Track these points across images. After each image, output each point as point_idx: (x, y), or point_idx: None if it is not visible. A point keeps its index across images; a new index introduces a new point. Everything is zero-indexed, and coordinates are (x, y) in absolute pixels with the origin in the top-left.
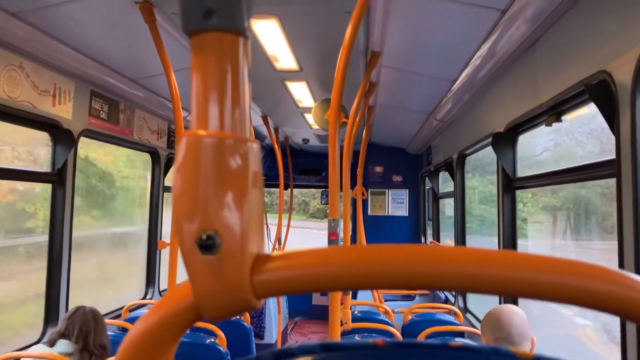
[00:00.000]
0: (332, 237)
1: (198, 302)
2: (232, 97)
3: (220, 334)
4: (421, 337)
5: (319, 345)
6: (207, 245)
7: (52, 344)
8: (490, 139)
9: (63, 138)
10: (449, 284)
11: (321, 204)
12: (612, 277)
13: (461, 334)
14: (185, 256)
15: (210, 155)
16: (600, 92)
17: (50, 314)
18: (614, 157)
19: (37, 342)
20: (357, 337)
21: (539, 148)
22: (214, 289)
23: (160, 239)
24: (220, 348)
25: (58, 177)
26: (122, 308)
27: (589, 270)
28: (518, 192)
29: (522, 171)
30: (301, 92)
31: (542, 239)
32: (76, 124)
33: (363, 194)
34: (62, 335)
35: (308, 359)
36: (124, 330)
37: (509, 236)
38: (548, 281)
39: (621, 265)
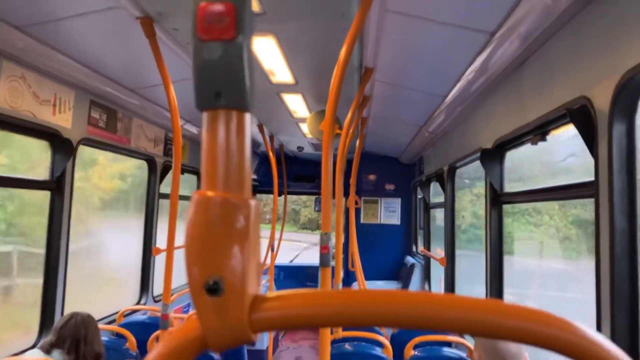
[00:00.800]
0: (324, 251)
1: (205, 335)
2: (237, 163)
3: None
4: (409, 347)
5: None
6: (214, 288)
7: (47, 352)
8: (478, 154)
9: (62, 147)
10: (418, 325)
11: (315, 210)
12: (559, 324)
13: (449, 344)
14: (194, 297)
15: (217, 212)
16: (580, 116)
17: (46, 319)
18: (593, 179)
19: (33, 347)
20: (346, 346)
21: (561, 154)
22: (219, 325)
23: (155, 245)
24: (214, 355)
25: (56, 185)
26: (116, 313)
27: (542, 317)
28: (542, 205)
29: (543, 180)
30: (296, 104)
31: (575, 259)
32: (75, 133)
33: (356, 203)
34: (54, 345)
35: None
36: (118, 335)
37: (496, 249)
38: (510, 325)
39: (597, 283)
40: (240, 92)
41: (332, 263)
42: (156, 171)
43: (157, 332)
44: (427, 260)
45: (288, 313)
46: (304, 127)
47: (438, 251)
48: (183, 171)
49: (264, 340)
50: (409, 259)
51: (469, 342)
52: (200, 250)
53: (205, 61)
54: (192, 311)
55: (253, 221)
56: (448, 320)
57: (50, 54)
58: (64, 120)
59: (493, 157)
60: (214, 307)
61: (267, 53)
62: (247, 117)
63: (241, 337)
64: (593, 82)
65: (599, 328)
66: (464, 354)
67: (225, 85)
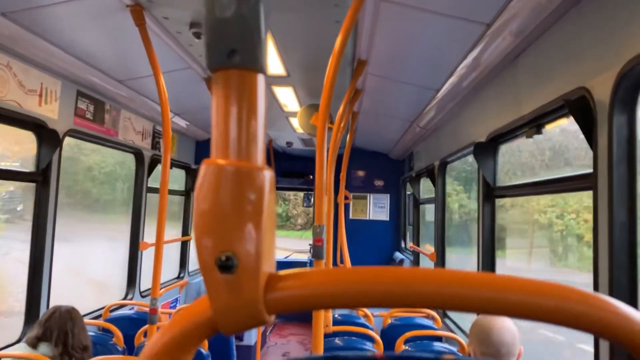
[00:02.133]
0: (318, 243)
1: (216, 317)
2: (251, 130)
3: None
4: (400, 341)
5: (324, 357)
6: (226, 265)
7: (33, 346)
8: (471, 148)
9: (48, 138)
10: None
11: (303, 206)
12: (586, 299)
13: (439, 339)
14: (205, 274)
15: (230, 182)
16: (579, 107)
17: (31, 312)
18: (591, 170)
19: (18, 342)
20: (337, 341)
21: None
22: (231, 306)
23: (142, 240)
24: (202, 350)
25: (42, 177)
26: (102, 308)
27: (567, 292)
28: (571, 196)
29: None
30: (287, 97)
31: None
32: (62, 124)
33: (347, 198)
34: (41, 339)
35: None
36: (105, 330)
37: (488, 244)
38: (531, 302)
39: (596, 274)
40: (256, 51)
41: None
42: (144, 164)
43: (145, 327)
44: (416, 255)
45: (307, 292)
46: (294, 122)
47: (427, 247)
48: (172, 165)
49: (252, 336)
50: (398, 255)
51: (459, 336)
52: (211, 224)
53: (219, 16)
54: (179, 306)
55: (267, 192)
56: (481, 299)
57: (36, 42)
58: (50, 111)
59: (487, 150)
60: (227, 285)
61: None
62: (262, 78)
63: (256, 318)
64: (592, 73)
65: None
66: (454, 349)
67: (240, 42)
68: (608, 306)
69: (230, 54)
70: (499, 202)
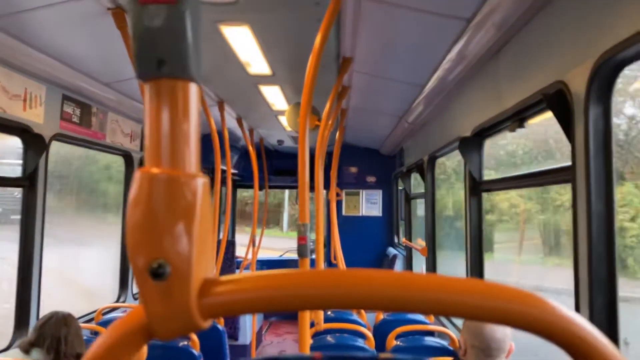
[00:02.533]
0: (301, 242)
1: (150, 324)
2: (184, 137)
3: (194, 336)
4: (392, 337)
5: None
6: (158, 272)
7: (26, 352)
8: (457, 143)
9: (34, 142)
10: (380, 305)
11: (295, 203)
12: (536, 303)
13: (431, 333)
14: (138, 282)
15: (162, 190)
16: (556, 101)
17: (21, 318)
18: (570, 164)
19: (7, 349)
20: (328, 338)
21: None
22: (164, 312)
23: None
24: (194, 351)
25: (29, 182)
26: (95, 312)
27: (521, 296)
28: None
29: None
30: (274, 96)
31: None
32: (47, 128)
33: (338, 195)
34: (33, 344)
35: None
36: (97, 334)
37: (476, 238)
38: (487, 305)
39: (576, 266)
40: (184, 60)
41: (313, 256)
42: (133, 166)
43: None
44: (408, 250)
45: (242, 297)
46: (283, 120)
47: (419, 241)
48: None
49: (247, 335)
50: (391, 250)
51: (451, 331)
52: (143, 232)
53: (146, 26)
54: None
55: (201, 200)
56: (409, 300)
57: (18, 47)
58: (35, 115)
59: (472, 145)
60: (159, 292)
61: (243, 43)
62: (193, 87)
63: (189, 324)
64: (569, 67)
65: (577, 311)
66: (446, 343)
67: (168, 52)
68: (546, 306)
69: (159, 64)
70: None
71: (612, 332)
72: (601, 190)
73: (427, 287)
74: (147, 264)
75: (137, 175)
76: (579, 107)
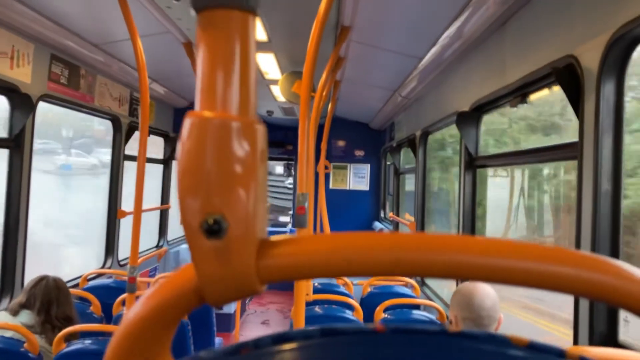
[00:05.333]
0: (300, 212)
1: (202, 287)
2: (241, 78)
3: None
4: (379, 310)
5: (319, 330)
6: (214, 229)
7: (14, 313)
8: (454, 118)
9: (21, 103)
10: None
11: (284, 175)
12: (610, 268)
13: (418, 307)
14: (190, 240)
15: (217, 138)
16: (566, 75)
17: (6, 282)
18: (577, 140)
19: None
20: (317, 309)
21: None
22: (220, 274)
23: (120, 207)
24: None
25: (15, 143)
26: (79, 277)
27: (586, 260)
28: None
29: None
30: (268, 64)
31: None
32: (35, 89)
33: (327, 168)
34: (24, 306)
35: (309, 343)
36: (82, 299)
37: (469, 212)
38: (548, 270)
39: (578, 245)
40: None
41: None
42: (121, 131)
43: (124, 296)
44: (395, 225)
45: (302, 260)
46: (275, 90)
47: (407, 216)
48: (150, 133)
49: (232, 304)
50: (377, 225)
51: (437, 304)
52: (196, 184)
53: None
54: (158, 275)
55: (260, 150)
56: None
57: (6, 2)
58: (22, 74)
59: (470, 119)
60: (215, 252)
61: None
62: (252, 20)
63: (247, 288)
64: (580, 41)
65: None
66: (433, 316)
67: None
68: (614, 269)
69: None
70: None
71: (612, 311)
72: (609, 168)
73: (521, 256)
74: (202, 220)
75: (187, 120)
76: (590, 83)
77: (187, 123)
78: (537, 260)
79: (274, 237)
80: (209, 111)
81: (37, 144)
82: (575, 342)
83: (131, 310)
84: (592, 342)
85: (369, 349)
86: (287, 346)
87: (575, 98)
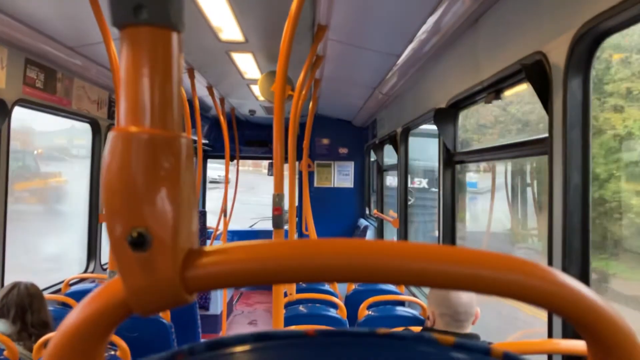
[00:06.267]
0: (276, 212)
1: (129, 298)
2: (164, 93)
3: None
4: (363, 307)
5: (252, 335)
6: (138, 242)
7: None
8: (432, 114)
9: None
10: (376, 278)
11: (268, 175)
12: (535, 271)
13: (402, 303)
14: (116, 253)
15: (142, 152)
16: (535, 72)
17: None
18: (547, 135)
19: None
20: (301, 308)
21: None
22: (145, 285)
23: (102, 212)
24: (164, 321)
25: None
26: (62, 282)
27: (522, 266)
28: None
29: None
30: (247, 64)
31: None
32: (10, 93)
33: (310, 166)
34: None
35: (242, 349)
36: (64, 305)
37: (449, 210)
38: (480, 274)
39: (550, 240)
40: (167, 4)
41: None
42: (100, 134)
43: None
44: (380, 222)
45: (229, 268)
46: (256, 90)
47: (391, 213)
48: None
49: (218, 305)
50: (362, 221)
51: (421, 300)
52: (120, 198)
53: None
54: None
55: (185, 162)
56: (408, 272)
57: None
58: None
59: (447, 116)
60: (139, 263)
61: (215, 8)
62: (175, 36)
63: (173, 298)
64: (548, 37)
65: None
66: (417, 312)
67: None
68: (549, 276)
69: (137, 9)
70: None
71: None
72: (578, 162)
73: (426, 258)
74: (126, 233)
75: (111, 135)
76: (558, 79)
77: (110, 138)
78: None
79: (206, 247)
80: (133, 126)
81: None
82: (550, 334)
83: (63, 323)
84: (566, 334)
85: (299, 352)
86: (222, 352)
87: (544, 94)
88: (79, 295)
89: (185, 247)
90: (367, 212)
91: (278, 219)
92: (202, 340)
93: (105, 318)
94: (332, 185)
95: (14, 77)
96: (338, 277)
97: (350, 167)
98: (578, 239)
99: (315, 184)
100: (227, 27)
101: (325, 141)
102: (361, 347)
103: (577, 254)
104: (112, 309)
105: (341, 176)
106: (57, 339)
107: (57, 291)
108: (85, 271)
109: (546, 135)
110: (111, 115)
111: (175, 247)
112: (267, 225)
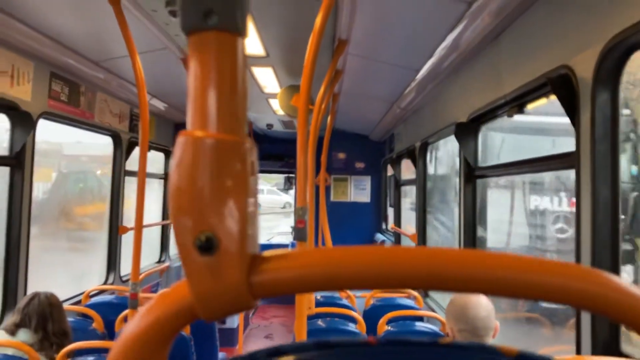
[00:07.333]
0: (300, 225)
1: (195, 303)
2: (231, 98)
3: None
4: (383, 321)
5: (313, 343)
6: (206, 246)
7: (12, 333)
8: (452, 128)
9: (21, 120)
10: (452, 286)
11: (284, 188)
12: (587, 276)
13: (421, 319)
14: (183, 257)
15: (209, 156)
16: (562, 85)
17: (8, 300)
18: (574, 149)
19: None
20: (320, 322)
21: None
22: (212, 290)
23: (122, 224)
24: (184, 333)
25: (16, 161)
26: (82, 294)
27: (567, 269)
28: None
29: None
30: (267, 78)
31: None
32: (35, 106)
33: (327, 181)
34: (19, 325)
35: (302, 357)
36: (84, 316)
37: (470, 225)
38: (530, 281)
39: (578, 254)
40: (236, 11)
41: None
42: (122, 147)
43: (126, 312)
44: (397, 236)
45: (294, 274)
46: (274, 104)
47: (408, 227)
48: (150, 148)
49: (235, 319)
50: (379, 236)
51: (440, 315)
52: (188, 202)
53: None
54: (160, 291)
55: (250, 167)
56: (491, 282)
57: (7, 21)
58: (22, 92)
59: (468, 131)
60: (207, 268)
61: None
62: (241, 42)
63: (239, 303)
64: (575, 51)
65: None
66: (437, 328)
67: (217, 1)
68: (610, 283)
69: (207, 14)
70: None
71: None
72: (607, 177)
73: (504, 266)
74: (194, 238)
75: (180, 139)
76: (585, 92)
77: (179, 142)
78: (521, 272)
79: (266, 253)
80: (201, 130)
81: None
82: (578, 351)
83: (127, 327)
84: (595, 351)
85: None
86: (282, 359)
87: (571, 108)
88: (98, 307)
89: (250, 252)
90: (384, 226)
91: (301, 231)
92: (263, 349)
93: (171, 323)
94: (349, 200)
95: (39, 90)
96: (413, 284)
97: (366, 181)
98: (608, 256)
99: (332, 199)
100: (249, 41)
101: (342, 155)
102: (424, 356)
103: (607, 268)
104: (178, 314)
105: (358, 190)
106: (121, 345)
107: (78, 302)
108: (105, 283)
109: (573, 149)
110: (132, 128)
111: (242, 252)
112: (282, 239)
